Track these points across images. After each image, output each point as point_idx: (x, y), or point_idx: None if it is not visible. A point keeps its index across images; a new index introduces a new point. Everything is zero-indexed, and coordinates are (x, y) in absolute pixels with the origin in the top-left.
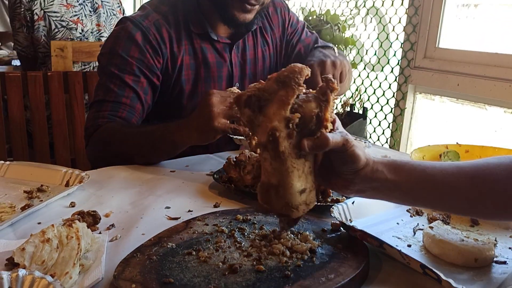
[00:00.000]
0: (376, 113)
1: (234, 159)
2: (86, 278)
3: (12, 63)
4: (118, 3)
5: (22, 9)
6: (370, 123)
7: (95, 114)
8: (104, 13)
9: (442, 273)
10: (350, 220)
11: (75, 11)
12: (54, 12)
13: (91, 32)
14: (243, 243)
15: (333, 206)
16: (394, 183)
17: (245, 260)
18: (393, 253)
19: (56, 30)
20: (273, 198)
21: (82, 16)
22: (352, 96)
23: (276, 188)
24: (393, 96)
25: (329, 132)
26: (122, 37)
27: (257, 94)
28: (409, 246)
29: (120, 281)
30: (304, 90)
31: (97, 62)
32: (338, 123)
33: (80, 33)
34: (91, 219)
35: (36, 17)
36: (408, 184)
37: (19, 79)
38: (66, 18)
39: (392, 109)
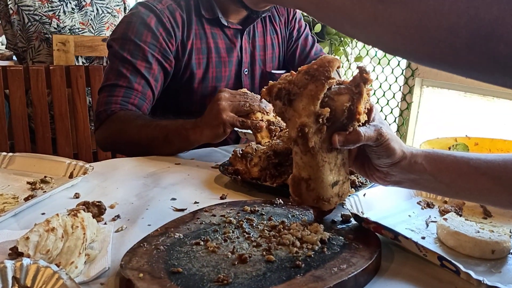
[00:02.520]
0: (382, 107)
1: (241, 152)
2: (92, 268)
3: (14, 58)
4: (119, 2)
5: (2, 6)
6: None
7: (107, 98)
8: (92, 11)
9: (460, 265)
10: (361, 212)
11: (52, 6)
12: (27, 6)
13: (70, 29)
14: (252, 234)
15: (345, 199)
16: (434, 176)
17: (254, 250)
18: (409, 245)
19: (30, 23)
20: (304, 191)
21: (59, 12)
22: None
23: (307, 182)
24: (400, 89)
25: (363, 124)
26: (135, 22)
27: (287, 87)
28: (423, 238)
29: (127, 270)
30: (336, 82)
31: (98, 57)
32: (376, 111)
33: (55, 29)
34: (96, 209)
35: (11, 11)
36: (449, 177)
37: (21, 73)
38: (40, 12)
39: (398, 103)
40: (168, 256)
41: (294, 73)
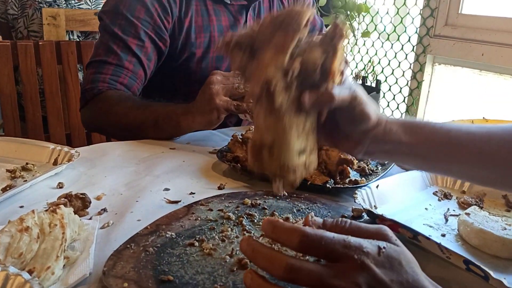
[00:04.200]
0: (390, 86)
1: (240, 137)
2: (72, 274)
3: None
4: None
5: None
6: (384, 97)
7: (95, 75)
8: None
9: (490, 270)
10: (374, 206)
11: None
12: None
13: (66, 0)
14: (253, 233)
15: (356, 191)
16: (410, 147)
17: None
18: (430, 246)
19: None
20: (266, 159)
21: None
22: (364, 68)
23: (270, 148)
24: (410, 67)
25: (338, 84)
26: None
27: (250, 36)
28: (443, 235)
29: (110, 278)
30: (306, 34)
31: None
32: (347, 74)
33: None
34: (80, 202)
35: None
36: (426, 149)
37: (8, 49)
38: None
39: (408, 81)
40: (158, 260)
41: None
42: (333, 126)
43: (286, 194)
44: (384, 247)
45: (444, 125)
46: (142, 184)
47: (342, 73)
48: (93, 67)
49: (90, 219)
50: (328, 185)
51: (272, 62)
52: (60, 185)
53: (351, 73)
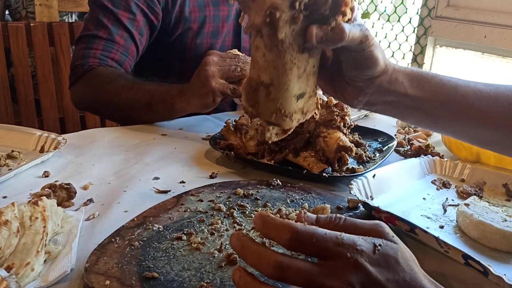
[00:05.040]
0: None
1: (234, 123)
2: (52, 270)
3: None
4: None
5: None
6: None
7: (85, 51)
8: None
9: (490, 266)
10: (371, 197)
11: None
12: None
13: None
14: (244, 225)
15: (352, 182)
16: (414, 100)
17: None
18: (428, 239)
19: None
20: (262, 100)
21: None
22: None
23: (268, 88)
24: (411, 49)
25: (346, 22)
26: None
27: None
28: (441, 227)
29: (92, 275)
30: None
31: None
32: (357, 12)
33: None
34: (65, 193)
35: None
36: (431, 103)
37: None
38: None
39: (408, 64)
40: (143, 255)
41: None
42: (335, 70)
43: (277, 140)
44: (379, 245)
45: (452, 79)
46: (130, 173)
47: (352, 9)
48: (83, 42)
49: (76, 210)
50: (324, 174)
51: None
52: (46, 174)
53: None
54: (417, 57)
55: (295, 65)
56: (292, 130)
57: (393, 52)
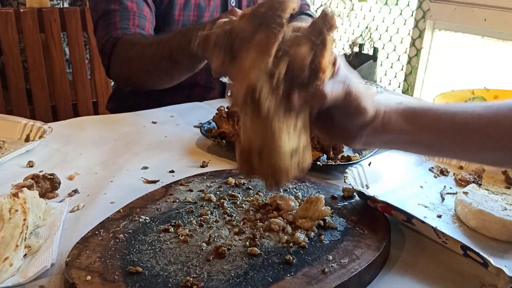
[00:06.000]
0: (388, 54)
1: (226, 110)
2: (32, 265)
3: None
4: None
5: None
6: (381, 65)
7: (105, 28)
8: None
9: (488, 255)
10: (366, 185)
11: None
12: None
13: None
14: (234, 216)
15: (346, 170)
16: (412, 135)
17: (235, 239)
18: (425, 230)
19: None
20: (256, 164)
21: None
22: (361, 35)
23: (260, 154)
24: (409, 34)
25: (329, 78)
26: None
27: (228, 37)
28: (439, 216)
29: (73, 270)
30: (292, 28)
31: None
32: (340, 62)
33: None
34: (48, 184)
35: None
36: (430, 136)
37: None
38: None
39: (406, 49)
40: (127, 248)
41: (234, 17)
42: (328, 118)
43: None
44: None
45: (448, 109)
46: (119, 163)
47: (334, 62)
48: (100, 23)
49: (61, 201)
50: (318, 162)
51: (255, 65)
52: (30, 164)
53: (348, 41)
54: (416, 41)
55: (284, 128)
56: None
57: (391, 37)
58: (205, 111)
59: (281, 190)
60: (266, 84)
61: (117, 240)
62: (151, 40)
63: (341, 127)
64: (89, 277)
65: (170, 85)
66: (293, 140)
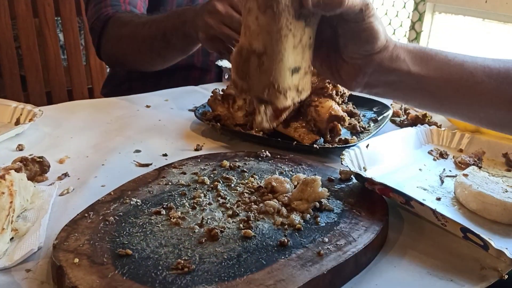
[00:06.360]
0: None
1: (221, 93)
2: (19, 248)
3: None
4: None
5: None
6: None
7: (95, 6)
8: None
9: (490, 239)
10: (364, 168)
11: None
12: None
13: None
14: (228, 198)
15: (344, 152)
16: (418, 79)
17: (229, 221)
18: (424, 212)
19: None
20: (254, 72)
21: None
22: None
23: (260, 57)
24: (408, 16)
25: None
26: None
27: None
28: (438, 199)
29: (60, 252)
30: None
31: None
32: None
33: None
34: (37, 167)
35: None
36: (436, 82)
37: None
38: None
39: (406, 32)
40: (117, 231)
41: None
42: (332, 47)
43: (272, 127)
44: None
45: (458, 55)
46: (110, 146)
47: None
48: (91, 1)
49: (50, 185)
50: (315, 146)
51: None
52: (20, 147)
53: None
54: (415, 24)
55: (291, 32)
56: (286, 112)
57: (391, 20)
58: (200, 95)
59: (277, 172)
60: None
61: (107, 223)
62: (144, 20)
63: (346, 58)
64: (77, 260)
65: (162, 67)
66: (297, 53)
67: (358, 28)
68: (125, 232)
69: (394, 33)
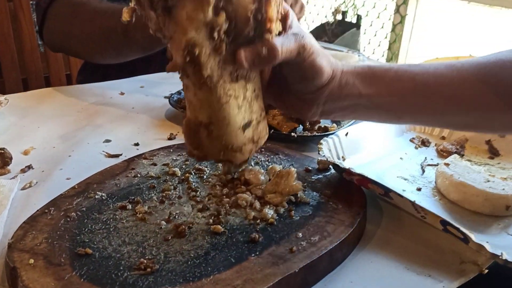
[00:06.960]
0: (372, 22)
1: None
2: None
3: None
4: None
5: None
6: (365, 33)
7: None
8: None
9: (468, 231)
10: (343, 157)
11: None
12: None
13: None
14: (199, 191)
15: (321, 141)
16: (371, 99)
17: (198, 216)
18: (404, 204)
19: None
20: (205, 140)
21: None
22: (344, 2)
23: (207, 127)
24: (393, 0)
25: (278, 35)
26: None
27: None
28: (418, 189)
29: (15, 252)
30: None
31: None
32: (292, 16)
33: None
34: None
35: None
36: (389, 99)
37: None
38: None
39: (391, 16)
40: (79, 228)
41: None
42: (282, 85)
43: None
44: None
45: (409, 69)
46: (79, 136)
47: (285, 17)
48: None
49: (13, 178)
50: (293, 134)
51: (192, 20)
52: None
53: (330, 8)
54: (400, 8)
55: (232, 97)
56: (248, 160)
57: (375, 4)
58: (178, 81)
59: (253, 163)
60: (207, 42)
61: (68, 219)
62: (105, 7)
63: (297, 95)
64: (32, 260)
65: (114, 62)
66: (244, 111)
67: (301, 69)
68: (86, 229)
69: (378, 17)
